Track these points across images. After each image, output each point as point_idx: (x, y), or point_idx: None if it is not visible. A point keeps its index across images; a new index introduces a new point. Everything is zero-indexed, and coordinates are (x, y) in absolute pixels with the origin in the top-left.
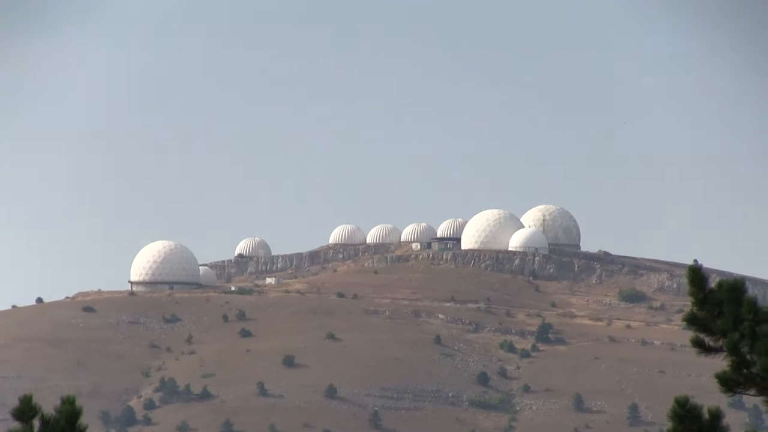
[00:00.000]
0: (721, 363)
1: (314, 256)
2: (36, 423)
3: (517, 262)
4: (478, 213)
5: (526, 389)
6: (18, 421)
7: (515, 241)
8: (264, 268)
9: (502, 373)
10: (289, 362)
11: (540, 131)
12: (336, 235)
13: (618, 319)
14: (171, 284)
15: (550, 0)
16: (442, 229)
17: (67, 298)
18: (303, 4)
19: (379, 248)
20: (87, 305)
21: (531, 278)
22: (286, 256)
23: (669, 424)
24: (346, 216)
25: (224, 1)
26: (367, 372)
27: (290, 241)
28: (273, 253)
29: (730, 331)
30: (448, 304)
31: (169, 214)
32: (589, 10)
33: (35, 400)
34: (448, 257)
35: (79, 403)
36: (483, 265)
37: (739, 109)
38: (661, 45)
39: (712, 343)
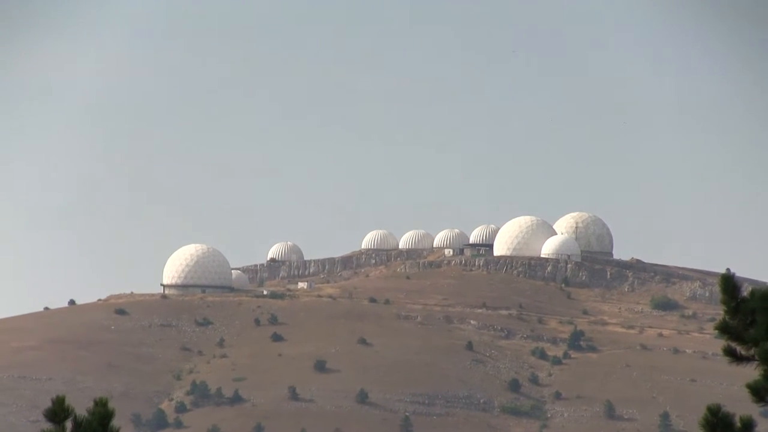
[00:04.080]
0: (753, 372)
1: (347, 261)
2: (68, 424)
3: (549, 269)
4: (510, 219)
5: (558, 396)
6: (51, 422)
7: (548, 248)
8: (296, 272)
9: (534, 380)
10: (321, 367)
11: (574, 138)
12: (368, 241)
13: (650, 327)
14: (203, 288)
15: (568, 2)
16: (475, 236)
17: (100, 300)
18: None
19: (411, 254)
20: (119, 308)
21: (563, 285)
22: (318, 260)
23: None
24: (379, 221)
25: None
26: (398, 377)
27: (323, 245)
28: (305, 258)
29: (763, 340)
30: (480, 311)
31: (201, 218)
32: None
33: (67, 402)
34: (481, 263)
35: (110, 405)
36: (515, 272)
37: None
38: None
39: (744, 352)
